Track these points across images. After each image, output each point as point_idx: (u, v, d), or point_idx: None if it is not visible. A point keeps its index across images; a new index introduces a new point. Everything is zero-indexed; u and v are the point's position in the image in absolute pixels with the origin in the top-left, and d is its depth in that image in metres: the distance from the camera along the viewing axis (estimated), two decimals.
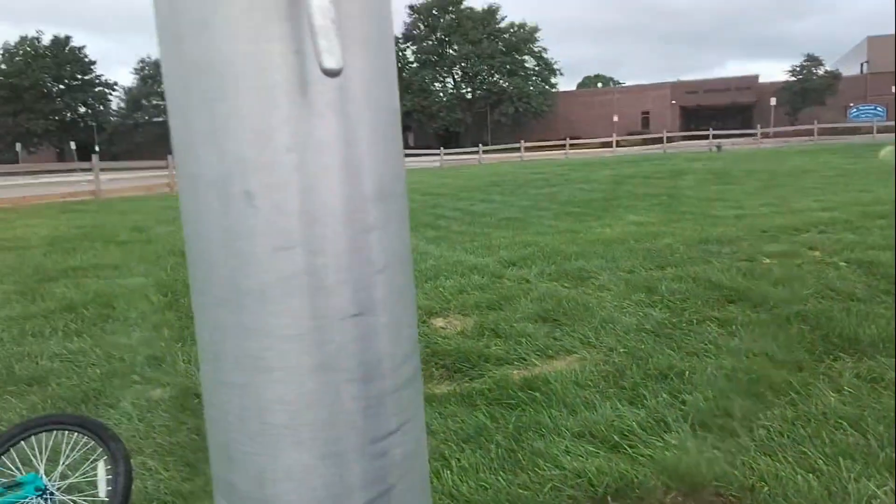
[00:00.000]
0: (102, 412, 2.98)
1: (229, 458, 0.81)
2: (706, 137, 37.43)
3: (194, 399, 3.06)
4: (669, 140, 38.83)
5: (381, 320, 0.75)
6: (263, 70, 0.65)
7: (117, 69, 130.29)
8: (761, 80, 65.45)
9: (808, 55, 56.42)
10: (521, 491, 2.21)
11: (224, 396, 0.79)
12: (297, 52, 0.64)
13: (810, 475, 2.18)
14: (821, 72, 55.99)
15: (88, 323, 4.35)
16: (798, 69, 56.69)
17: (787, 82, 56.92)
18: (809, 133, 38.10)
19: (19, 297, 5.20)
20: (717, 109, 66.61)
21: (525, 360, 3.42)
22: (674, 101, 65.72)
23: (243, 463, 0.78)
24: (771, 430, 2.51)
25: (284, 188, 0.68)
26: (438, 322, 4.15)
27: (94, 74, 70.05)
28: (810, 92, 54.54)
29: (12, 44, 66.86)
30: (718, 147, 33.16)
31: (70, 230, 9.46)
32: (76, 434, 2.13)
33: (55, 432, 2.15)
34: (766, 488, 2.15)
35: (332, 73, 0.59)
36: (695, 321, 3.85)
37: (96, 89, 70.35)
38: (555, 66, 69.35)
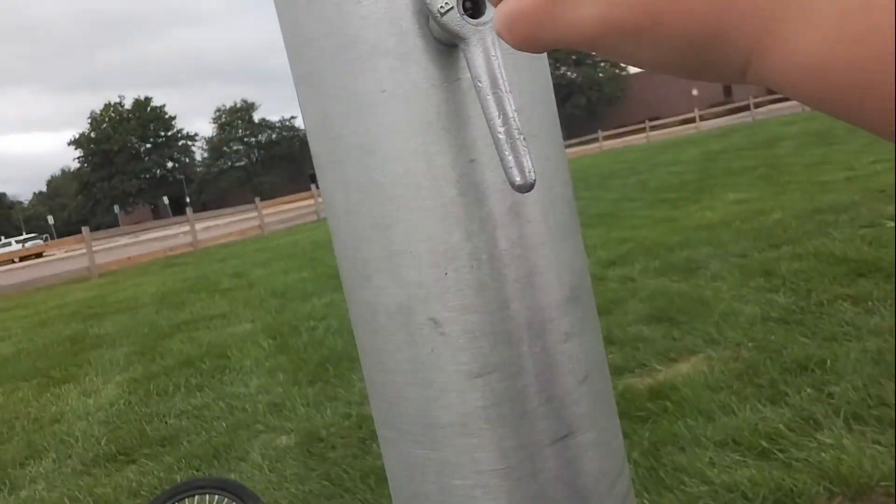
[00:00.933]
0: (234, 466, 3.03)
1: None
2: None
3: (319, 443, 3.07)
4: (757, 106, 37.09)
5: (588, 437, 0.67)
6: (437, 187, 0.59)
7: (191, 119, 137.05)
8: None
9: None
10: None
11: None
12: (472, 161, 0.59)
13: None
14: None
15: (207, 376, 4.49)
16: None
17: None
18: None
19: (139, 356, 5.44)
20: None
21: (646, 366, 3.25)
22: None
23: None
24: None
25: (473, 310, 0.61)
26: None
27: (175, 129, 74.06)
28: None
29: (98, 111, 71.59)
30: None
31: (176, 284, 9.91)
32: (217, 496, 2.16)
33: (197, 497, 2.19)
34: None
35: (524, 189, 0.52)
36: (825, 302, 3.57)
37: (179, 143, 74.34)
38: None
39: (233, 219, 22.23)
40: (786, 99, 38.87)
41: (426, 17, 0.57)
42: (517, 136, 0.52)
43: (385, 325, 0.65)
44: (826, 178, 8.03)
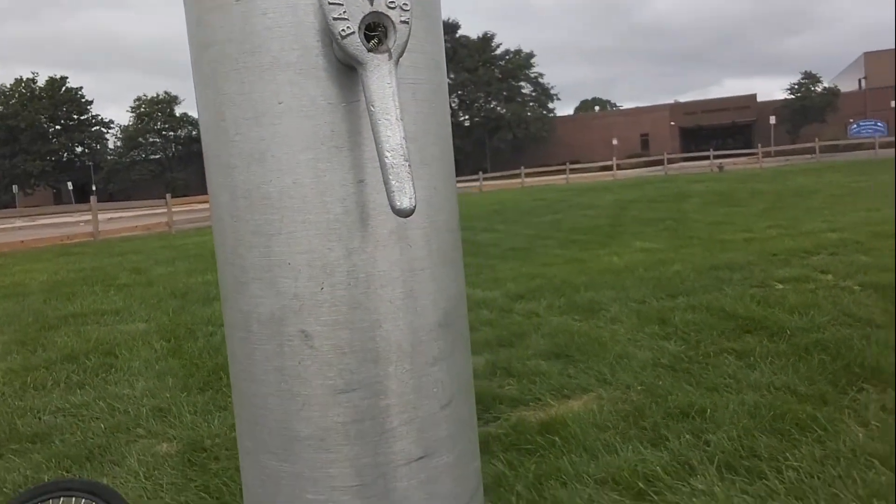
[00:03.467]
0: (108, 470, 2.89)
1: None
2: (707, 158, 37.52)
3: (202, 453, 2.96)
4: (670, 161, 38.89)
5: (445, 460, 0.69)
6: (323, 202, 0.60)
7: (106, 106, 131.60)
8: (760, 98, 65.88)
9: (806, 72, 57.01)
10: None
11: None
12: (360, 182, 0.61)
13: None
14: (819, 89, 56.36)
15: (91, 373, 4.27)
16: (796, 87, 57.09)
17: (786, 100, 57.28)
18: (811, 151, 38.14)
19: (20, 347, 5.12)
20: (716, 129, 66.92)
21: (540, 400, 3.32)
22: (672, 123, 66.11)
23: None
24: (800, 470, 2.41)
25: (345, 326, 0.62)
26: None
27: (90, 114, 70.76)
28: (810, 109, 54.90)
29: (7, 86, 67.64)
30: (720, 167, 33.25)
31: (69, 274, 9.41)
32: (84, 500, 2.05)
33: (62, 499, 2.07)
34: None
35: (404, 213, 0.55)
36: (711, 353, 3.76)
37: (93, 129, 70.99)
38: (552, 91, 69.98)
39: (140, 212, 21.40)
40: (697, 158, 40.58)
41: (330, 37, 0.58)
42: (403, 163, 0.54)
43: (256, 333, 0.64)
44: (726, 237, 8.48)
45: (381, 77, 0.55)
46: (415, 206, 0.54)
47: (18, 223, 25.91)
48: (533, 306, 5.27)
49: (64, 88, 68.66)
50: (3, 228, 21.44)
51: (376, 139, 0.55)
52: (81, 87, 71.96)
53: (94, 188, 61.90)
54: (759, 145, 37.71)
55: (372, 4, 0.55)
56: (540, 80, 69.30)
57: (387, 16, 0.55)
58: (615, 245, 8.68)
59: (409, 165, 0.54)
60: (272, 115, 0.59)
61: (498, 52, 68.72)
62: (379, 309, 0.62)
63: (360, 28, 0.56)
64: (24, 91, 67.24)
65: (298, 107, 0.59)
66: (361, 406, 0.62)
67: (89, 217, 17.12)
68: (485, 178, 37.82)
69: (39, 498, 2.05)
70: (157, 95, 70.92)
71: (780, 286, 5.31)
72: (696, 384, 3.33)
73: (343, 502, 0.62)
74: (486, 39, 68.12)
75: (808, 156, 37.92)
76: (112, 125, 72.73)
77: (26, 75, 72.40)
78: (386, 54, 0.56)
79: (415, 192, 0.54)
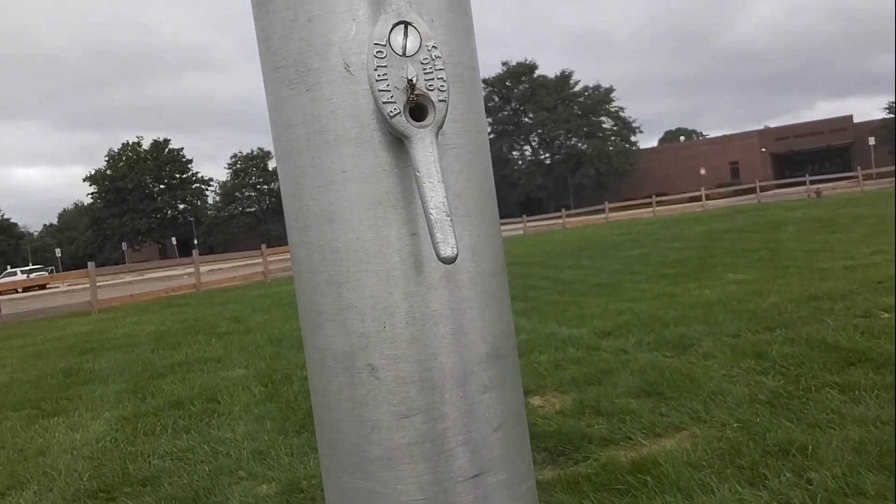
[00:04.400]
0: None
1: None
2: (803, 184, 36.00)
3: (299, 494, 3.07)
4: (763, 189, 37.50)
5: (499, 478, 0.77)
6: (383, 253, 0.72)
7: (203, 164, 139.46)
8: (856, 119, 62.91)
9: None
10: None
11: None
12: (413, 235, 0.72)
13: None
14: None
15: (195, 419, 4.49)
16: (894, 105, 54.21)
17: (884, 119, 54.44)
18: None
19: (130, 394, 5.45)
20: (811, 154, 64.27)
21: (631, 439, 3.27)
22: (763, 149, 63.86)
23: None
24: None
25: (405, 359, 0.73)
26: (536, 401, 4.05)
27: (191, 173, 75.12)
28: None
29: (116, 150, 72.78)
30: (818, 193, 31.79)
31: (174, 325, 9.94)
32: None
33: None
34: None
35: (448, 261, 0.66)
36: (813, 388, 3.60)
37: (193, 186, 75.32)
38: (633, 125, 69.19)
39: (238, 263, 22.41)
40: (792, 184, 38.98)
41: (383, 114, 0.70)
42: (445, 218, 0.65)
43: (331, 367, 0.76)
44: (825, 266, 8.10)
45: (424, 147, 0.67)
46: (457, 254, 0.64)
47: (128, 278, 27.62)
48: (621, 343, 5.19)
49: (167, 150, 73.34)
50: (114, 283, 22.89)
51: (422, 199, 0.67)
52: (182, 148, 76.73)
53: (195, 242, 65.34)
54: (859, 168, 35.85)
55: (414, 90, 0.68)
56: (621, 113, 68.74)
57: (427, 97, 0.68)
58: (706, 278, 8.43)
59: (450, 220, 0.65)
60: (338, 183, 0.72)
61: (576, 88, 68.75)
62: (433, 343, 0.72)
63: (405, 108, 0.68)
64: (130, 154, 72.29)
65: (359, 175, 0.71)
66: (422, 429, 0.72)
67: (192, 270, 18.07)
68: (568, 215, 37.58)
69: None
70: (252, 151, 74.69)
71: (886, 315, 5.02)
72: (796, 420, 3.20)
73: None
74: (564, 77, 68.34)
75: None
76: (211, 182, 76.95)
77: (131, 139, 77.75)
78: (428, 128, 0.68)
79: (457, 242, 0.64)
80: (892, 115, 54.23)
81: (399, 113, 0.68)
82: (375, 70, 0.69)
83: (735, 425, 3.22)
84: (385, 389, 0.74)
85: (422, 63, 0.69)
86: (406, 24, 0.69)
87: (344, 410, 0.76)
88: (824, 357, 4.10)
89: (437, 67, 0.70)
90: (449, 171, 0.73)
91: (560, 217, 36.87)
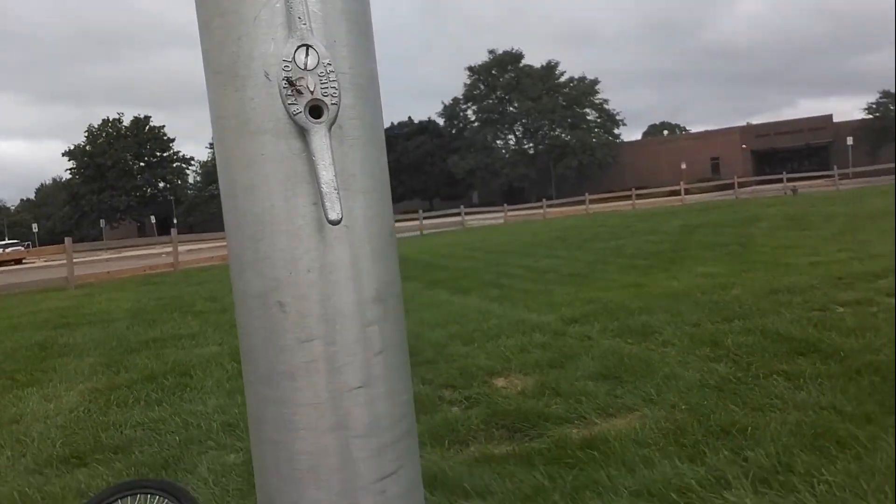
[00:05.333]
0: (181, 477, 3.15)
1: (268, 497, 1.06)
2: (780, 181, 36.49)
3: None
4: (741, 185, 37.95)
5: (379, 390, 1.01)
6: (291, 217, 0.95)
7: (184, 143, 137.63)
8: (836, 118, 63.65)
9: (884, 91, 54.76)
10: None
11: (265, 450, 1.04)
12: (315, 204, 0.94)
13: None
14: None
15: (168, 392, 4.60)
16: (875, 106, 54.96)
17: (864, 120, 55.16)
18: (890, 172, 36.55)
19: (105, 368, 5.54)
20: (790, 151, 64.98)
21: (585, 418, 3.43)
22: (744, 146, 64.47)
23: (279, 499, 1.03)
24: (833, 484, 2.45)
25: (307, 298, 0.95)
26: (499, 382, 4.20)
27: (172, 151, 74.40)
28: (890, 129, 52.64)
29: (95, 126, 71.85)
30: (794, 190, 32.27)
31: (151, 302, 9.99)
32: (158, 497, 2.29)
33: (139, 496, 2.32)
34: None
35: (334, 223, 0.90)
36: (761, 375, 3.78)
37: (174, 165, 74.64)
38: (617, 117, 69.45)
39: (217, 244, 22.31)
40: (769, 181, 39.34)
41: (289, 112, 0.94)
42: (333, 191, 0.89)
43: (250, 304, 1.00)
44: (791, 261, 8.34)
45: (319, 138, 0.90)
46: (341, 219, 0.88)
47: (105, 255, 27.41)
48: (586, 329, 5.36)
49: (147, 127, 72.52)
50: (91, 260, 22.74)
51: (317, 177, 0.90)
52: (164, 126, 75.81)
53: (174, 221, 64.84)
54: (836, 167, 36.39)
55: (312, 94, 0.93)
56: (605, 105, 68.98)
57: (322, 101, 0.92)
58: (675, 269, 8.64)
59: (338, 193, 0.88)
60: (258, 163, 0.95)
61: (562, 79, 68.86)
62: (328, 287, 0.95)
63: (305, 108, 0.92)
64: (110, 130, 71.40)
65: (274, 157, 0.94)
66: (318, 351, 0.95)
67: (170, 248, 18.03)
68: (549, 206, 37.81)
69: (118, 495, 2.31)
70: None
71: (841, 309, 5.23)
72: (741, 404, 3.37)
73: (307, 415, 0.97)
74: (550, 68, 68.39)
75: (889, 177, 36.34)
76: (192, 161, 76.30)
77: (112, 115, 76.77)
78: (323, 124, 0.92)
79: (342, 209, 0.88)
80: (870, 116, 54.99)
81: (301, 112, 0.91)
82: (284, 79, 0.92)
83: (683, 407, 3.40)
84: (290, 321, 0.96)
85: (319, 76, 0.92)
86: (308, 46, 0.92)
87: (259, 336, 0.99)
88: (776, 347, 4.29)
89: (332, 79, 0.93)
90: (347, 157, 0.96)
91: (541, 207, 37.10)
